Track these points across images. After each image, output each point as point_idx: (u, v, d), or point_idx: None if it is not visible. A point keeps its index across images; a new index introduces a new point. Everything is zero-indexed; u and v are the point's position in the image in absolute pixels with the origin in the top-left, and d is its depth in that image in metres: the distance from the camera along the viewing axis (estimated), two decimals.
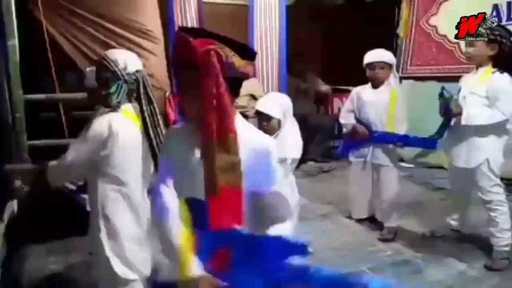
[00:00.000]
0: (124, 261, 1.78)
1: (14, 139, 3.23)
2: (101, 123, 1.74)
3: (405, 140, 3.17)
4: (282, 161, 2.21)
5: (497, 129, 2.70)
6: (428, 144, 3.14)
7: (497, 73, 2.67)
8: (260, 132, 1.38)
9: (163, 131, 1.77)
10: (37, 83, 3.55)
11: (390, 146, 3.23)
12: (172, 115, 3.71)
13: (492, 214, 2.77)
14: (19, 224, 2.86)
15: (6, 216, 2.84)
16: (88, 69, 2.12)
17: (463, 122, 2.68)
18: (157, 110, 1.82)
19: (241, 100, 4.36)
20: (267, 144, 1.31)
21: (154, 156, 1.76)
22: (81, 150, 1.76)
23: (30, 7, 3.40)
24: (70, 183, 2.21)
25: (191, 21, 4.62)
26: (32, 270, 2.71)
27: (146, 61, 3.44)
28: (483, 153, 2.72)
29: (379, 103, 3.20)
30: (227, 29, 4.66)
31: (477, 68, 2.79)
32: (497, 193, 2.76)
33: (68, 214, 2.49)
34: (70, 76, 3.62)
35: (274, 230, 1.27)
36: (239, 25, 4.92)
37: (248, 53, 1.23)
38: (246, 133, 1.26)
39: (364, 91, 3.34)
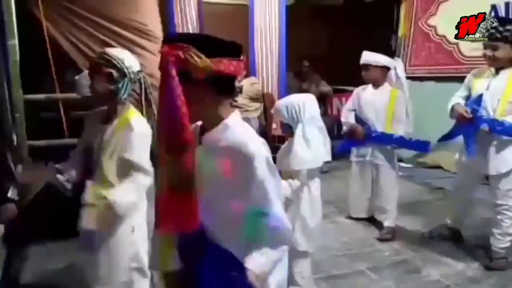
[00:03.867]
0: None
1: (14, 139, 3.23)
2: (143, 124, 1.75)
3: (400, 142, 3.18)
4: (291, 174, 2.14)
5: None
6: (421, 147, 3.14)
7: None
8: (251, 136, 1.18)
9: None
10: (37, 83, 3.55)
11: (388, 147, 3.25)
12: None
13: (499, 217, 2.74)
14: (19, 225, 2.84)
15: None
16: (77, 77, 2.06)
17: (505, 137, 2.60)
18: (155, 111, 1.82)
19: (242, 100, 4.36)
20: (248, 149, 1.12)
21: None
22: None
23: (30, 7, 3.40)
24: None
25: (191, 21, 4.63)
26: (32, 271, 2.70)
27: (146, 60, 3.44)
28: None
29: (378, 103, 3.24)
30: (227, 29, 4.67)
31: (497, 71, 2.66)
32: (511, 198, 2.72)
33: (67, 215, 2.48)
34: (70, 76, 3.62)
35: (252, 259, 1.13)
36: (239, 25, 4.92)
37: (224, 50, 1.13)
38: (232, 137, 1.15)
39: (365, 91, 3.37)
